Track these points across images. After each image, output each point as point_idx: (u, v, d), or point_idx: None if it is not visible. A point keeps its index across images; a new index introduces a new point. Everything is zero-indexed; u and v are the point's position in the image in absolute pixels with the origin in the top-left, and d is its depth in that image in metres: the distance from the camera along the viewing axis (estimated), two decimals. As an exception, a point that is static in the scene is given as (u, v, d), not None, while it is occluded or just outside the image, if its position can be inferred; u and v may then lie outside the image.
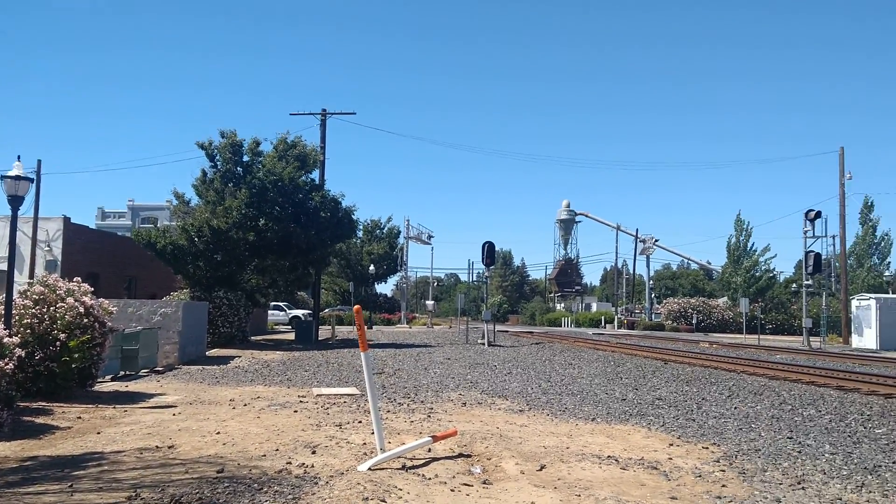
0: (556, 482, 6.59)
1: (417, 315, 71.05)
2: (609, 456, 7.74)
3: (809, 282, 39.86)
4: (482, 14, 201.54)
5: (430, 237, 63.96)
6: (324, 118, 32.86)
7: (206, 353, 22.82)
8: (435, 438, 7.93)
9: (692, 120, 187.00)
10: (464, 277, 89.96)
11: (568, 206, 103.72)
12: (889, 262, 58.93)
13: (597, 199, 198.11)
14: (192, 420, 9.92)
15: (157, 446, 7.99)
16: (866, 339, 37.85)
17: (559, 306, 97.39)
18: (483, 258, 31.91)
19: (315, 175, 30.29)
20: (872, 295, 40.42)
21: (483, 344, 29.90)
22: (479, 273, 34.82)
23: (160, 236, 26.27)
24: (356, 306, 7.53)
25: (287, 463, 7.08)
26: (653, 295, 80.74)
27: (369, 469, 6.84)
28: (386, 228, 62.68)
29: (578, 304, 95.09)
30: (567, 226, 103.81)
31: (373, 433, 7.67)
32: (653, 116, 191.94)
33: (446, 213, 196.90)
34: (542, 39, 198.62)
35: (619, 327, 65.98)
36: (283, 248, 26.89)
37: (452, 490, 6.24)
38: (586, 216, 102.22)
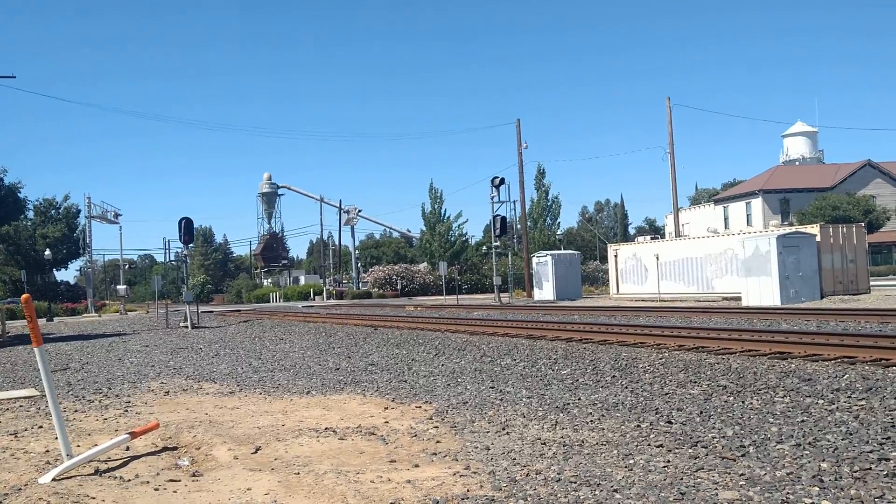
0: (274, 462, 6.26)
1: (109, 302, 64.93)
2: (327, 428, 7.58)
3: (497, 243, 43.77)
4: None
5: (117, 215, 58.58)
6: (-27, 81, 28.00)
7: None
8: (133, 434, 7.09)
9: (391, 87, 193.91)
10: (160, 258, 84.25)
11: (269, 178, 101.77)
12: (559, 222, 67.34)
13: (299, 170, 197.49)
14: None
15: None
16: (546, 291, 42.62)
17: (266, 282, 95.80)
18: (180, 236, 29.91)
19: (-33, 147, 25.83)
20: (549, 252, 45.58)
21: (186, 327, 28.13)
22: (177, 252, 32.55)
23: None
24: (24, 296, 6.41)
25: (-58, 491, 5.82)
26: (359, 264, 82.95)
27: (54, 479, 5.88)
28: (63, 208, 56.32)
29: (286, 279, 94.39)
30: (270, 199, 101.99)
31: (56, 438, 6.64)
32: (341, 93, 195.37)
33: (137, 190, 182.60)
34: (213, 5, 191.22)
35: (328, 298, 66.73)
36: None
37: (157, 489, 5.59)
38: (289, 189, 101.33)
